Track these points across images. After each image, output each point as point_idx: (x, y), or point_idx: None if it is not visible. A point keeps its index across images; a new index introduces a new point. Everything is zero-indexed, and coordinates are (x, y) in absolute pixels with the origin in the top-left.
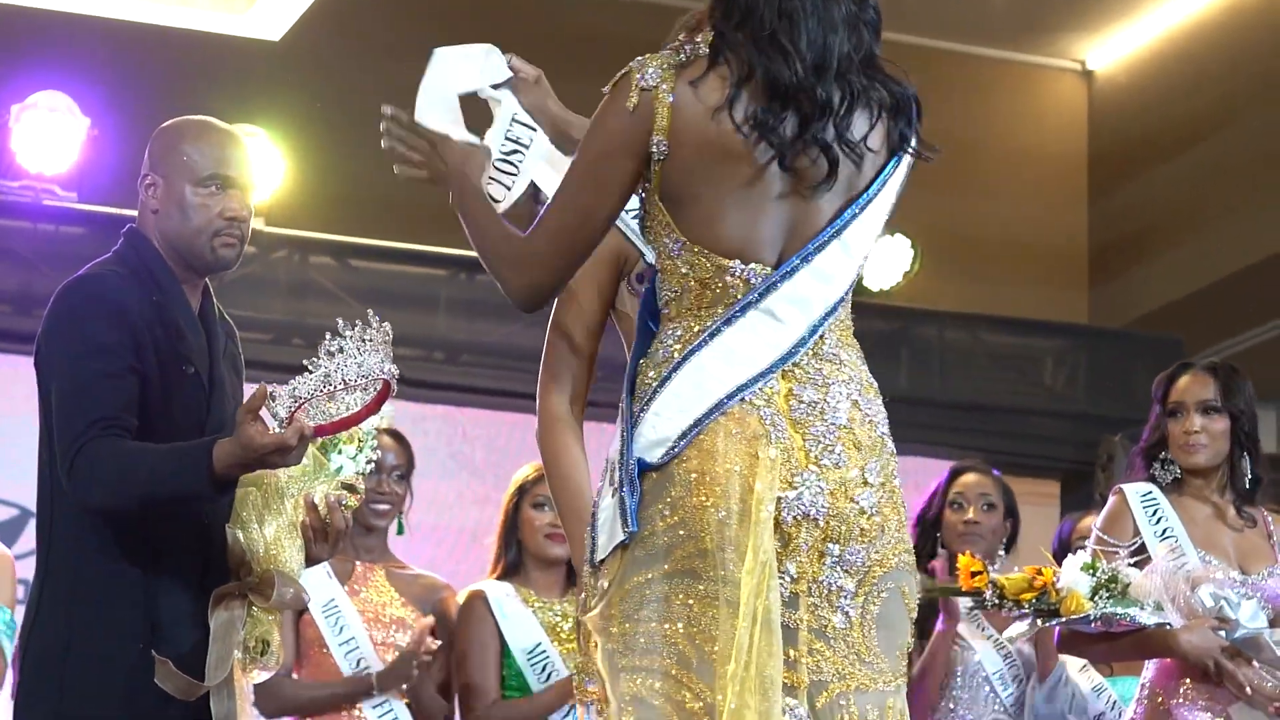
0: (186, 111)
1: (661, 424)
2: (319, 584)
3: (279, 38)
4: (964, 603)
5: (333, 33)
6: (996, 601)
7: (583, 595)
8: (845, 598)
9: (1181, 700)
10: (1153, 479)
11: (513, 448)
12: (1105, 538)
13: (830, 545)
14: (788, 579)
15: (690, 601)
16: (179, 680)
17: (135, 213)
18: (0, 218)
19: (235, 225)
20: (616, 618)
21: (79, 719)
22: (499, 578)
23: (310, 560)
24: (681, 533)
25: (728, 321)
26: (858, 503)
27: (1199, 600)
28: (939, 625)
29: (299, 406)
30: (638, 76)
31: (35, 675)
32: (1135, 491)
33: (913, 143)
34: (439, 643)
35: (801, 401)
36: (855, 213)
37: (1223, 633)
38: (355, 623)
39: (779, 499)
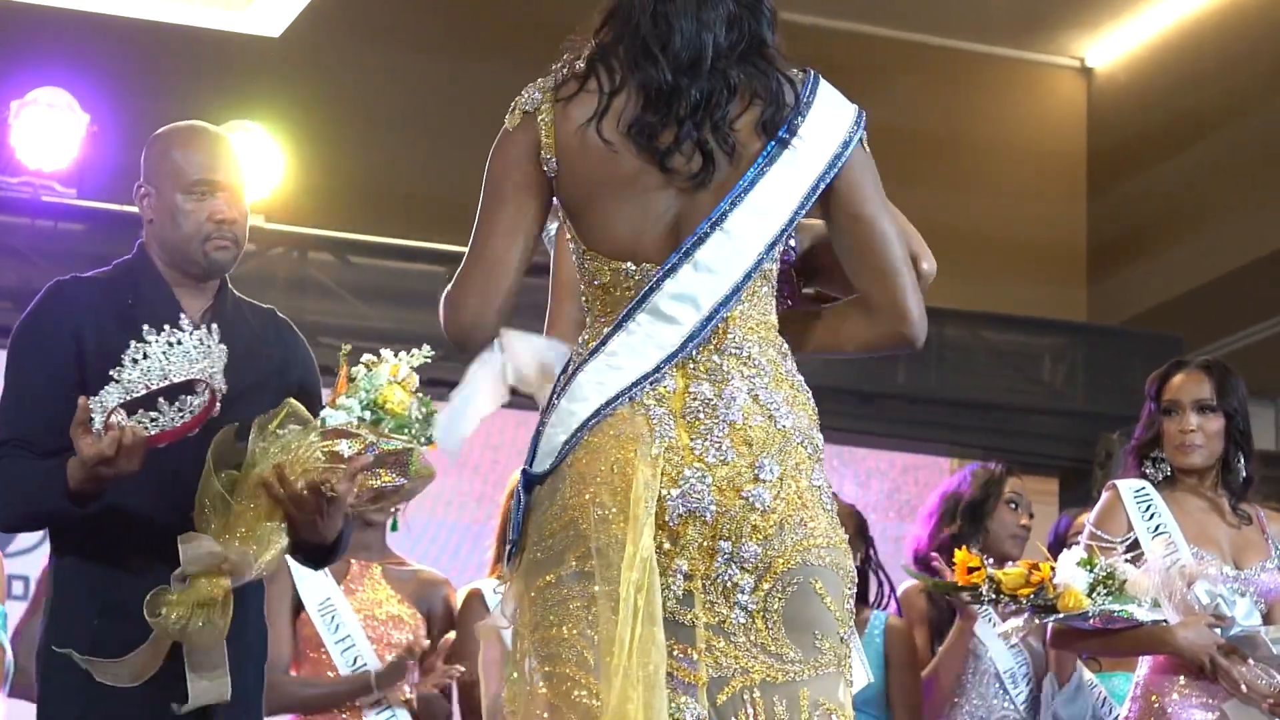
0: (186, 108)
1: (553, 433)
2: (316, 583)
3: (279, 34)
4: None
5: (332, 29)
6: (994, 597)
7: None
8: (743, 593)
9: (1176, 698)
10: (1145, 475)
11: (511, 445)
12: (1099, 533)
13: (721, 543)
14: (680, 576)
15: (588, 604)
16: (110, 668)
17: (133, 208)
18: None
19: (225, 228)
20: (528, 624)
21: (51, 704)
22: (498, 576)
23: (308, 539)
24: (572, 532)
25: (618, 325)
26: (747, 499)
27: (1195, 597)
28: (956, 622)
29: (109, 416)
30: (522, 102)
31: (35, 671)
32: (1128, 487)
33: (797, 129)
34: (425, 637)
35: (695, 399)
36: (733, 201)
37: (1219, 630)
38: (351, 621)
39: (661, 497)
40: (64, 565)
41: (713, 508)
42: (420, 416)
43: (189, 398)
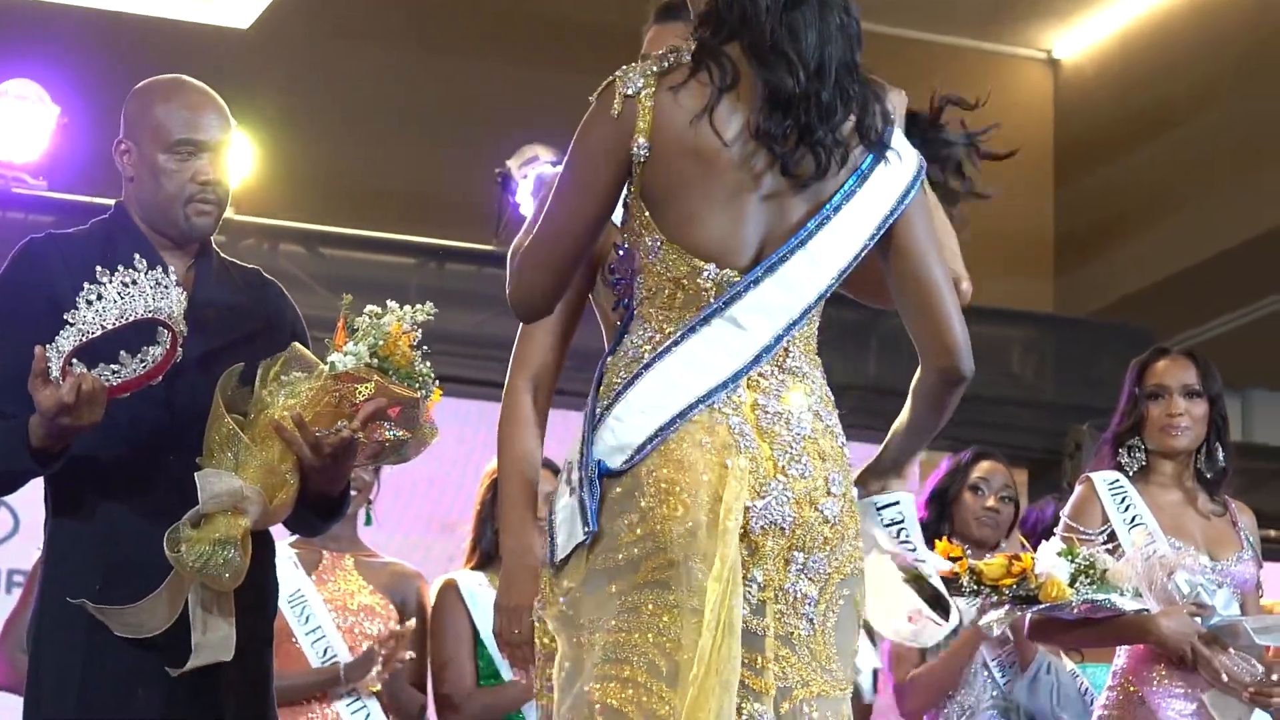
0: None
1: (623, 429)
2: (286, 574)
3: (248, 25)
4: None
5: (302, 21)
6: (975, 588)
7: (540, 597)
8: (809, 605)
9: (1155, 687)
10: (1119, 467)
11: (484, 437)
12: (1074, 525)
13: (795, 553)
14: (755, 587)
15: (660, 612)
16: (128, 616)
17: (105, 200)
18: None
19: (209, 189)
20: (585, 627)
21: (49, 672)
22: (474, 568)
23: (320, 487)
24: (650, 544)
25: (693, 329)
26: (822, 511)
27: (1175, 587)
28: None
29: (65, 361)
30: (621, 85)
31: (29, 641)
32: (1103, 480)
33: (893, 147)
34: (398, 626)
35: (767, 412)
36: (820, 222)
37: (1199, 619)
38: (321, 612)
39: (747, 508)
40: (63, 529)
41: (791, 519)
42: (425, 370)
43: (150, 347)
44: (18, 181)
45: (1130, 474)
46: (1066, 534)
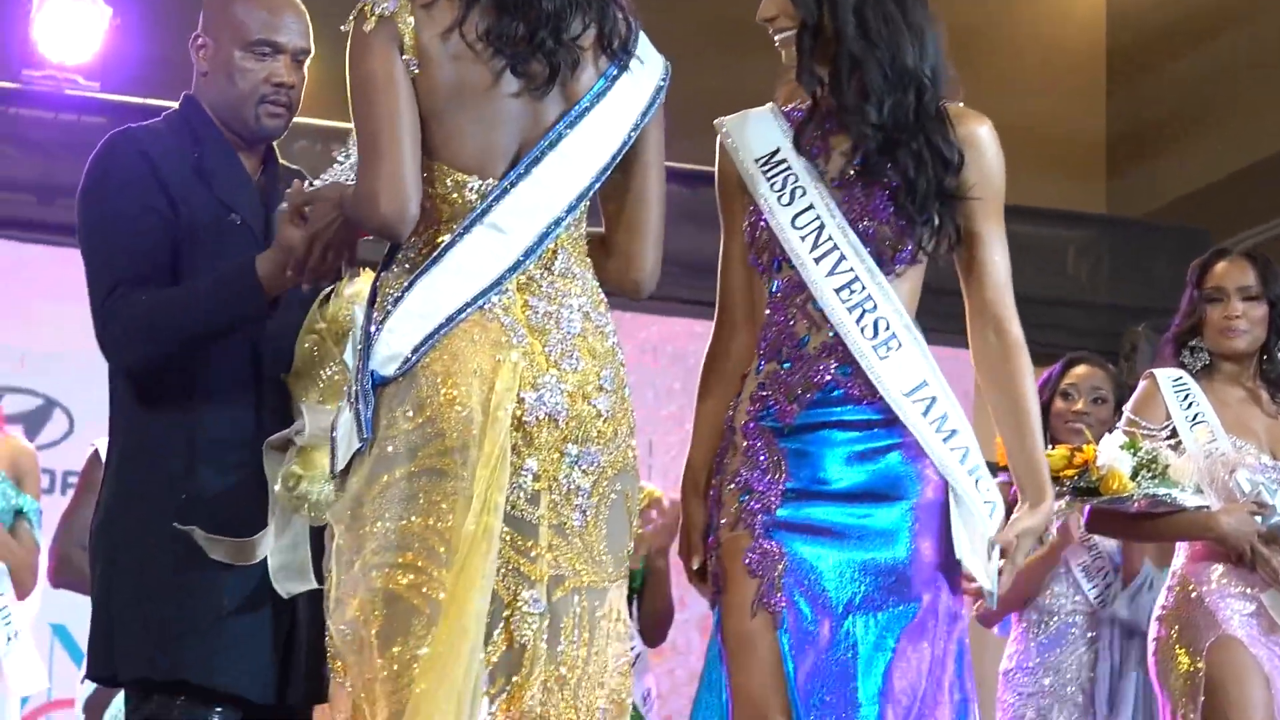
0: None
1: (394, 340)
2: None
3: None
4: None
5: None
6: None
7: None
8: (582, 496)
9: (1213, 587)
10: (1182, 366)
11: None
12: (1136, 420)
13: (569, 445)
14: (530, 476)
15: (436, 497)
16: (226, 546)
17: (158, 101)
18: (23, 107)
19: (282, 92)
20: (368, 517)
21: (127, 577)
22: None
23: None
24: (429, 430)
25: (458, 237)
26: (594, 406)
27: (1236, 484)
28: (1054, 539)
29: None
30: (374, 6)
31: (93, 549)
32: (1166, 376)
33: (631, 57)
34: None
35: (537, 312)
36: (570, 123)
37: (1259, 518)
38: None
39: (521, 399)
40: (146, 437)
41: (565, 411)
42: None
43: None
44: (70, 83)
45: (1193, 373)
46: (1129, 429)
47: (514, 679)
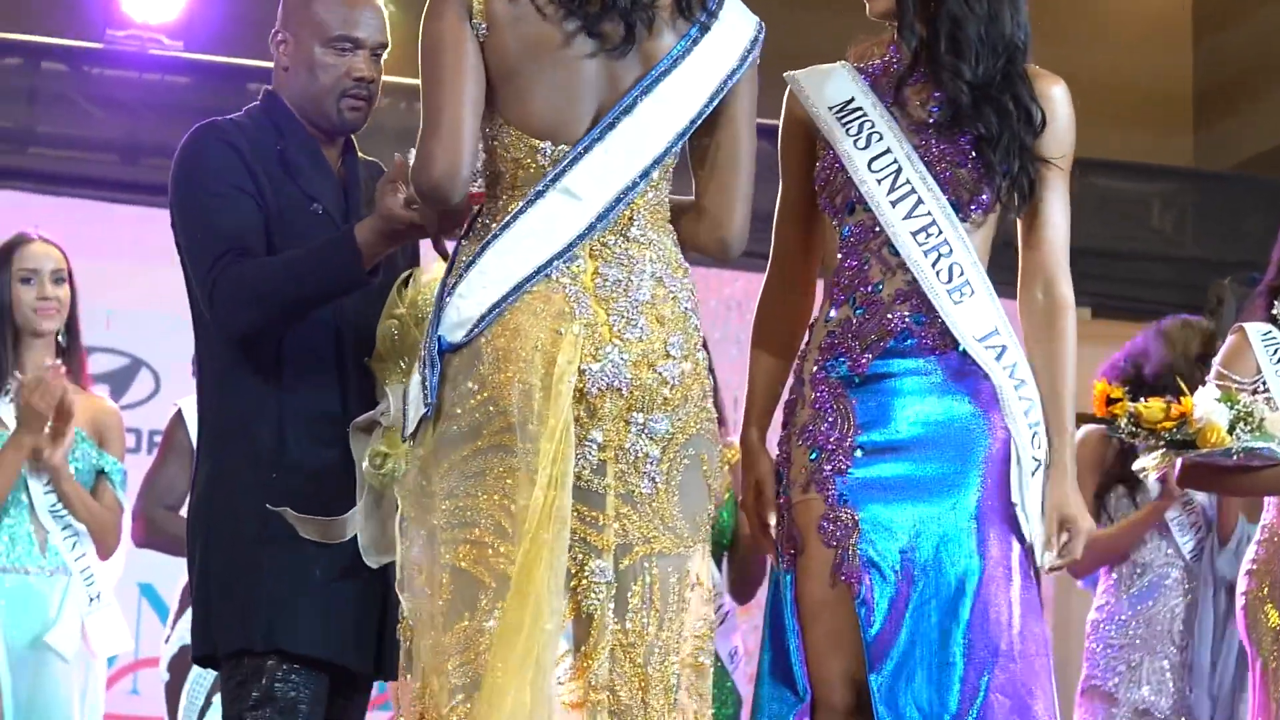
0: None
1: (465, 305)
2: None
3: None
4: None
5: None
6: (1133, 430)
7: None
8: (651, 464)
9: None
10: (1273, 319)
11: None
12: (1227, 373)
13: (634, 414)
14: (595, 447)
15: (504, 475)
16: (317, 525)
17: (241, 61)
18: (107, 67)
19: (362, 86)
20: (437, 493)
21: (221, 555)
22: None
23: None
24: (491, 409)
25: (530, 203)
26: (660, 373)
27: None
28: (1157, 500)
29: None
30: None
31: (190, 530)
32: (1256, 330)
33: (713, 22)
34: None
35: (606, 280)
36: (647, 88)
37: None
38: None
39: (583, 371)
40: (244, 400)
41: (629, 381)
42: None
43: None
44: (154, 43)
45: None
46: (1219, 382)
47: (582, 649)
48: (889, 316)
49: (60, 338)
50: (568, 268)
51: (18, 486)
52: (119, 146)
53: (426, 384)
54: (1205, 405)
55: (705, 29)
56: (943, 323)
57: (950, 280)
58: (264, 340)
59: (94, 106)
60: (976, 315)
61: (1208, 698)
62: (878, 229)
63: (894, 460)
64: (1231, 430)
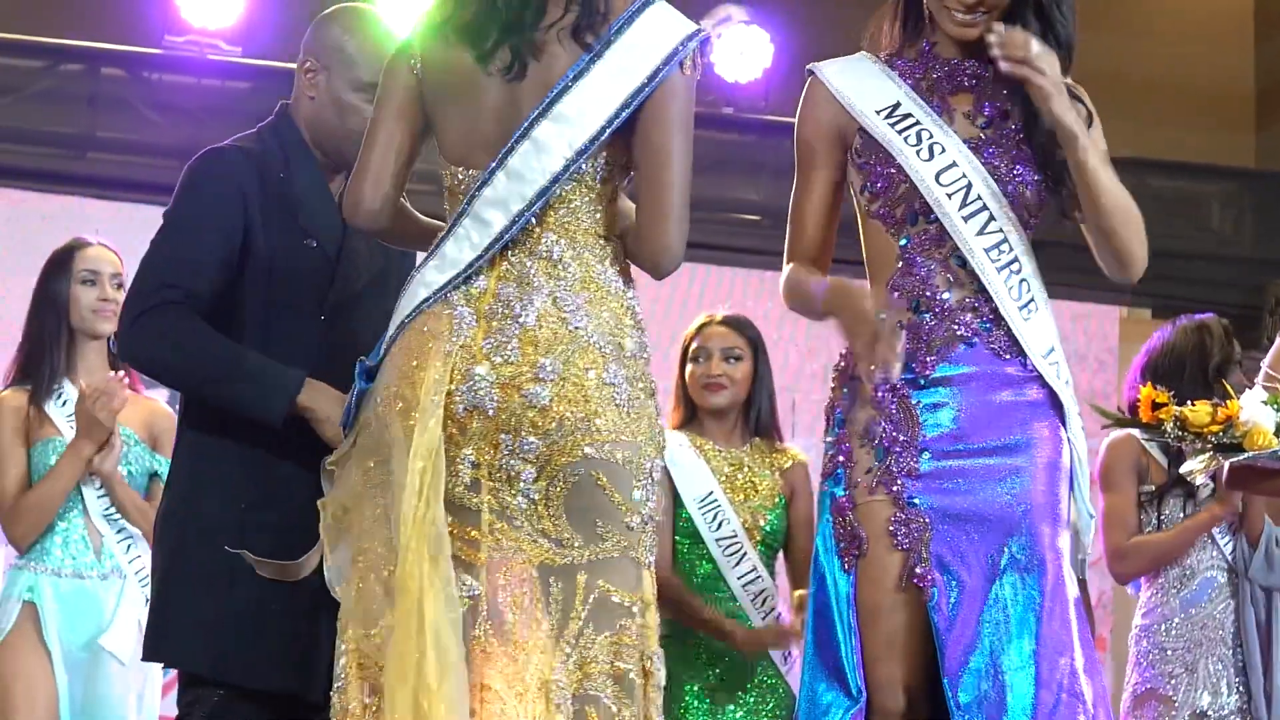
0: None
1: (391, 328)
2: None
3: None
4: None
5: None
6: (1179, 434)
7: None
8: (525, 482)
9: None
10: None
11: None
12: (1276, 375)
13: (503, 435)
14: (468, 465)
15: (389, 488)
16: (274, 566)
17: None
18: (166, 73)
19: None
20: (352, 507)
21: (184, 572)
22: (676, 428)
23: None
24: (379, 426)
25: (448, 231)
26: (525, 397)
27: None
28: (1211, 508)
29: None
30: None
31: (157, 532)
32: None
33: (612, 41)
34: None
35: (499, 300)
36: (541, 111)
37: None
38: None
39: (451, 391)
40: (206, 453)
41: (494, 404)
42: None
43: None
44: (212, 48)
45: None
46: (1268, 384)
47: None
48: (956, 324)
49: (112, 342)
50: (466, 289)
51: (73, 491)
52: (177, 152)
53: (349, 405)
54: (1252, 408)
55: (601, 52)
56: (1009, 328)
57: (1020, 297)
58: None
59: (152, 112)
60: (1041, 332)
61: (1264, 698)
62: (944, 239)
63: (961, 462)
64: (1278, 432)
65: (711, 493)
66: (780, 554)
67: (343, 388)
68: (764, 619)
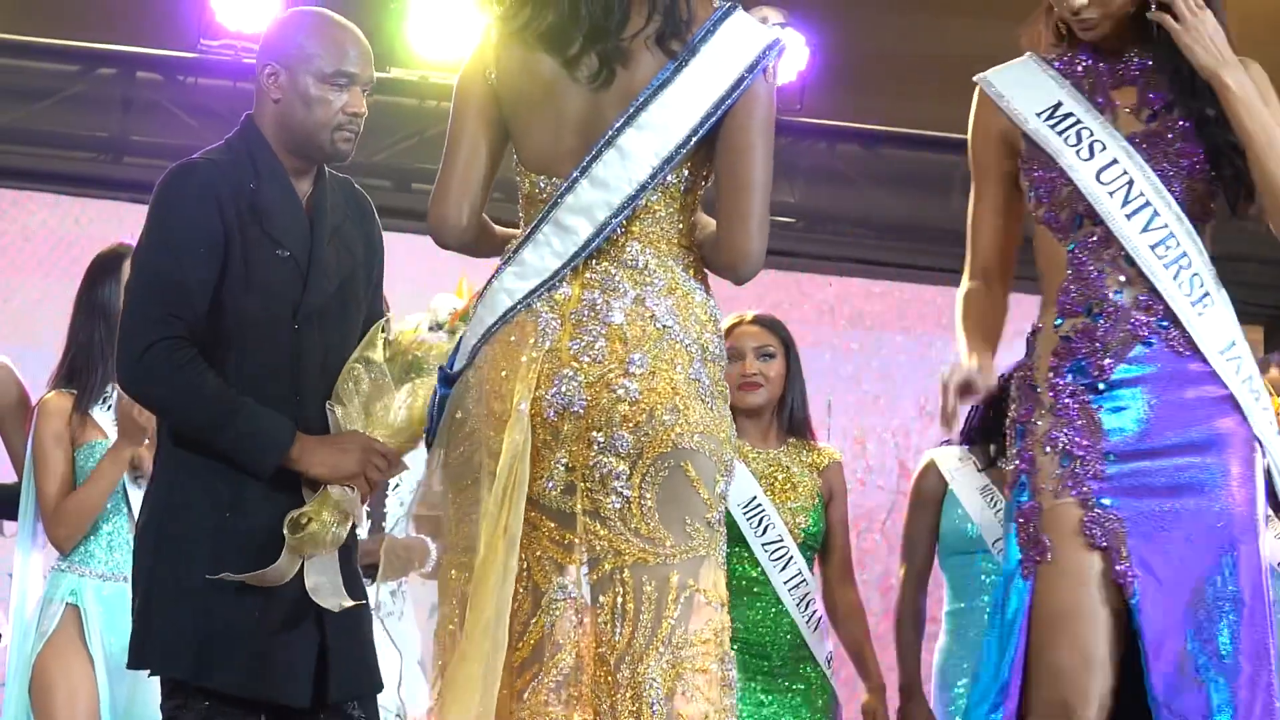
0: None
1: (469, 340)
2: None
3: None
4: None
5: None
6: None
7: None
8: (619, 480)
9: None
10: None
11: None
12: None
13: (594, 434)
14: (562, 468)
15: (482, 499)
16: (252, 576)
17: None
18: (201, 77)
19: (356, 120)
20: (451, 519)
21: (167, 580)
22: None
23: None
24: (477, 439)
25: (527, 238)
26: (616, 392)
27: None
28: None
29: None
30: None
31: (139, 538)
32: None
33: (697, 49)
34: None
35: (584, 305)
36: (627, 118)
37: None
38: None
39: (539, 396)
40: (184, 460)
41: (583, 403)
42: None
43: None
44: (247, 52)
45: None
46: None
47: (536, 665)
48: (1132, 324)
49: None
50: (551, 296)
51: (116, 494)
52: None
53: (430, 411)
54: None
55: (686, 61)
56: (1185, 327)
57: (1192, 292)
58: (227, 378)
59: (188, 116)
60: (1218, 327)
61: None
62: (1111, 240)
63: (1147, 463)
64: None
65: (755, 498)
66: (816, 555)
67: (315, 395)
68: (808, 622)
